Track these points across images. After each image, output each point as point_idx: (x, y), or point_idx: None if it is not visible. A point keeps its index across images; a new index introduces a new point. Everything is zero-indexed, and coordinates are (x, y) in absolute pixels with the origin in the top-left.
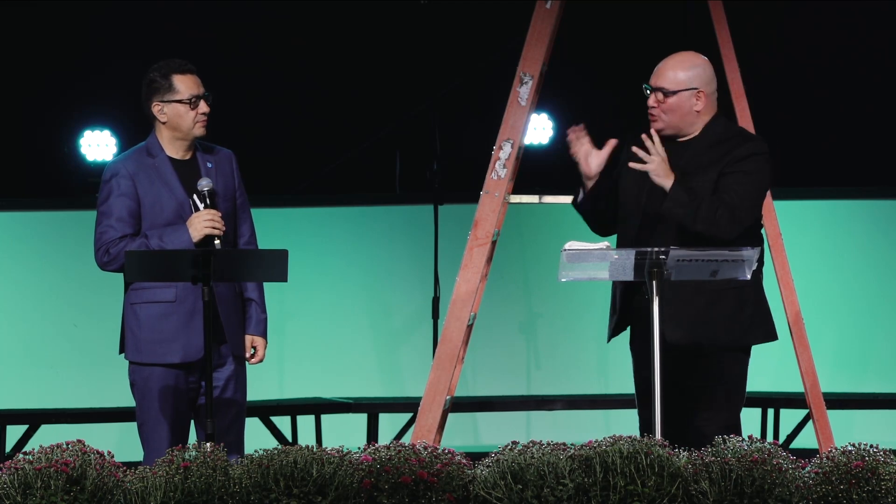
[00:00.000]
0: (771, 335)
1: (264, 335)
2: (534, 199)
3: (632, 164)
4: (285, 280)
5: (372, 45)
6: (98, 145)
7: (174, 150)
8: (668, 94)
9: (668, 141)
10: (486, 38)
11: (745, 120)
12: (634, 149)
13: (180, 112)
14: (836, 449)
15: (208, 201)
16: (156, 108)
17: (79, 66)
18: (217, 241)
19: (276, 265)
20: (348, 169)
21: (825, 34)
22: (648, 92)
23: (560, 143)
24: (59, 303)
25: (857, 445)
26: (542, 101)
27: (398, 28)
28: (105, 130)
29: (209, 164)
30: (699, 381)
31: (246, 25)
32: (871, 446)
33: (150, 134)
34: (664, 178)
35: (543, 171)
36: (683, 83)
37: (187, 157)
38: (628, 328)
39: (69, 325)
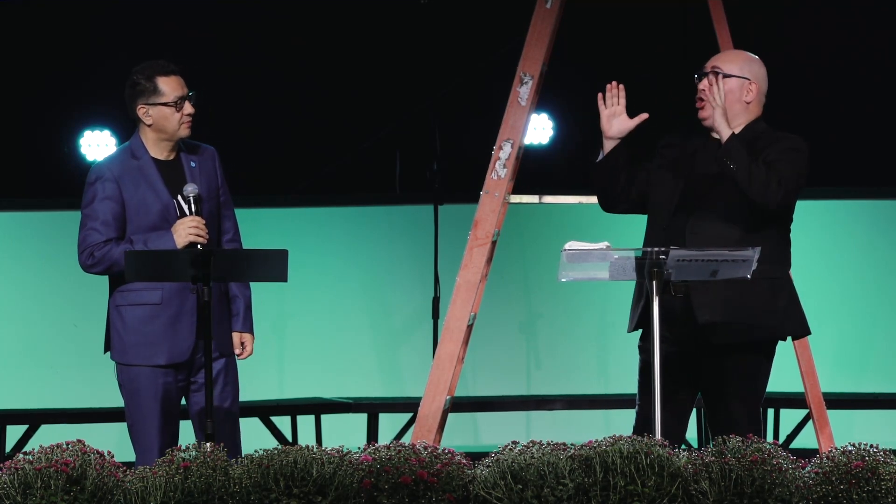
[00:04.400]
0: (805, 328)
1: (251, 331)
2: (534, 199)
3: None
4: (285, 280)
5: (372, 45)
6: (98, 145)
7: (158, 151)
8: (722, 75)
9: (707, 136)
10: (486, 38)
11: None
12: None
13: (166, 114)
14: (836, 449)
15: (193, 207)
16: (141, 111)
17: (79, 66)
18: (199, 248)
19: (276, 265)
20: (348, 169)
21: (825, 34)
22: (699, 79)
23: (560, 144)
24: (59, 303)
25: (857, 445)
26: (542, 101)
27: (398, 28)
28: (105, 130)
29: (192, 164)
30: (731, 376)
31: (246, 25)
32: (871, 446)
33: (134, 135)
34: (723, 128)
35: (543, 171)
36: (738, 70)
37: (171, 158)
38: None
39: (69, 325)
